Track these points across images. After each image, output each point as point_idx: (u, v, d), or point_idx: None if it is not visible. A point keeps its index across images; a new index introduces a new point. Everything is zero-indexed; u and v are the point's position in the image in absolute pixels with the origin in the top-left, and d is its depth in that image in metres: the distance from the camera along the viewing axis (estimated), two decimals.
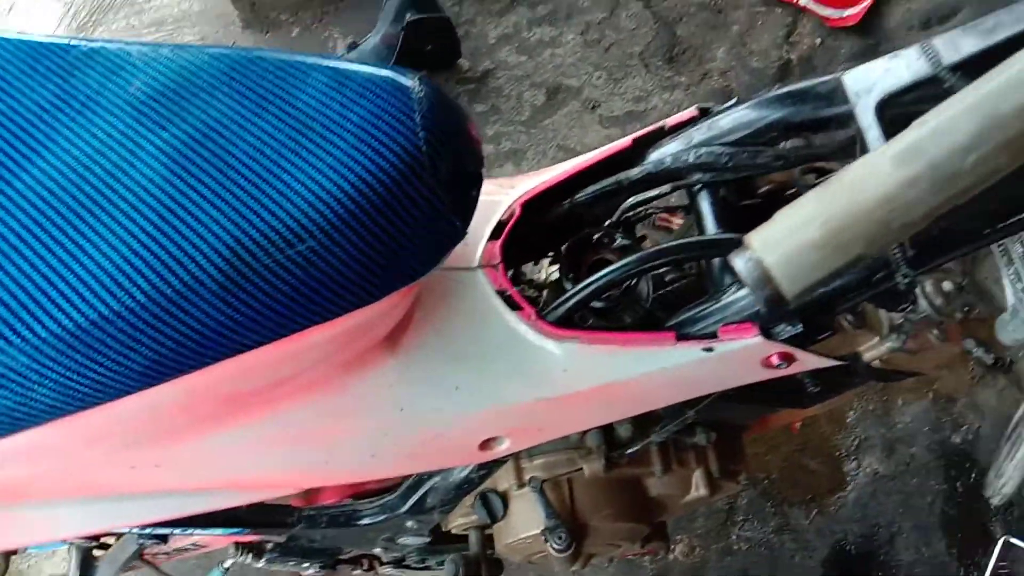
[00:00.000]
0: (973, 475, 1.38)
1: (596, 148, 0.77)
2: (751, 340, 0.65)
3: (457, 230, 0.58)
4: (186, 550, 0.99)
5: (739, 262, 0.33)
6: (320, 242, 0.52)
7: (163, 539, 0.82)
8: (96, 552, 0.83)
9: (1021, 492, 0.48)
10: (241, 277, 0.51)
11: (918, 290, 0.71)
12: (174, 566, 1.00)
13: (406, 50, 1.82)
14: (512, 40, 1.95)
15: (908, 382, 1.43)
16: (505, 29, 1.97)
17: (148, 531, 0.78)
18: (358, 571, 1.04)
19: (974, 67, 0.61)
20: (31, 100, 0.58)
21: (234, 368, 0.56)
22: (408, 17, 1.82)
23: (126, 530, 0.77)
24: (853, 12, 1.78)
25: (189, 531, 0.80)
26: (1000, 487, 0.51)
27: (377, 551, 1.00)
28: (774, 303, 0.33)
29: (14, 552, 0.87)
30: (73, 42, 0.63)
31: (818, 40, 1.78)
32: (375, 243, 0.53)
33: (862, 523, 1.38)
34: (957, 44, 0.61)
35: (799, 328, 0.66)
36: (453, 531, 0.98)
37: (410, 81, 0.57)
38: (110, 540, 0.86)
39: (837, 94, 0.66)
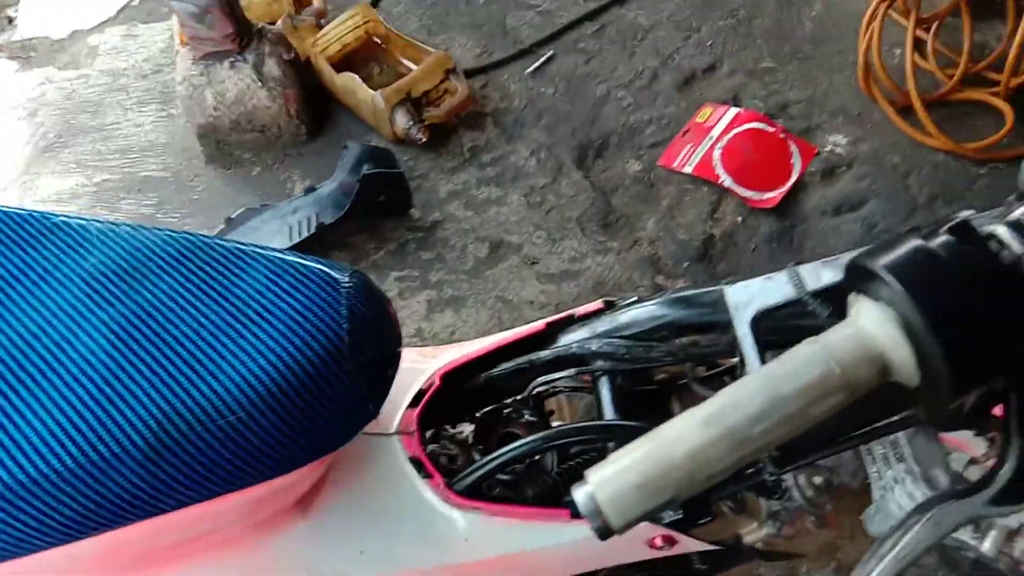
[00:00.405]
0: None
1: (532, 301, 0.85)
2: None
3: (370, 412, 0.64)
4: None
5: (578, 495, 0.40)
6: (241, 418, 0.57)
7: None
8: None
9: None
10: (165, 447, 0.56)
11: (791, 483, 0.79)
12: None
13: (361, 198, 1.92)
14: (461, 196, 2.08)
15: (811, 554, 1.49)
16: (455, 186, 2.11)
17: None
18: None
19: (830, 295, 0.71)
20: None
21: (151, 527, 0.60)
22: (365, 169, 1.93)
23: None
24: (772, 195, 1.96)
25: None
26: None
27: None
28: (604, 532, 0.39)
29: None
30: (37, 214, 0.69)
31: (739, 218, 1.95)
32: (292, 422, 0.59)
33: None
34: (818, 274, 0.71)
35: (680, 514, 0.72)
36: None
37: (341, 275, 0.65)
38: None
39: (720, 304, 0.75)
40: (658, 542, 0.73)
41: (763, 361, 0.70)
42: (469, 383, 0.86)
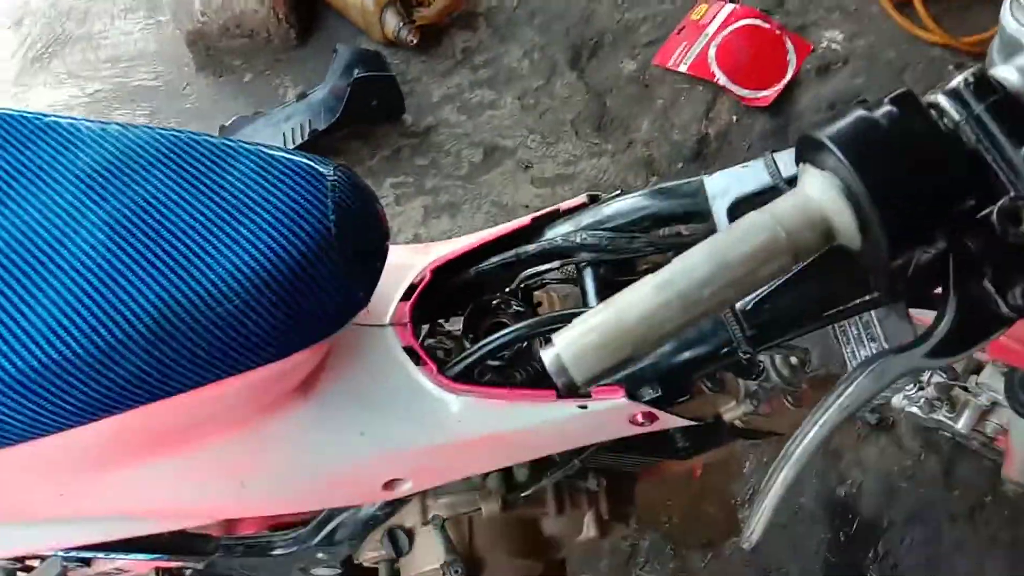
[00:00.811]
0: (855, 525, 1.50)
1: (527, 205, 0.87)
2: (618, 400, 0.75)
3: (360, 300, 0.67)
4: (108, 575, 1.04)
5: (545, 355, 0.43)
6: (237, 306, 0.60)
7: (86, 563, 0.88)
8: (20, 574, 0.88)
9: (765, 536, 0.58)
10: (167, 333, 0.59)
11: (768, 362, 0.82)
12: None
13: (353, 103, 1.92)
14: (454, 100, 2.07)
15: None
16: (448, 89, 2.09)
17: (72, 554, 0.84)
18: None
19: None
20: None
21: (159, 410, 0.64)
22: (356, 73, 1.92)
23: (51, 553, 0.83)
24: (767, 94, 1.94)
25: (112, 555, 0.86)
26: (749, 534, 0.61)
27: None
28: (569, 387, 0.43)
29: None
30: (29, 115, 0.71)
31: (734, 118, 1.94)
32: (285, 308, 0.62)
33: (754, 567, 1.49)
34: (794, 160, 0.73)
35: (658, 392, 0.76)
36: (364, 564, 1.06)
37: (326, 169, 0.67)
38: (34, 563, 0.92)
39: (699, 194, 0.77)
40: (639, 418, 0.77)
41: None
42: (459, 277, 0.89)
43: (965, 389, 1.05)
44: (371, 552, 1.02)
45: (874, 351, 0.79)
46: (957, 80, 0.40)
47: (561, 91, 2.04)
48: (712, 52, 2.02)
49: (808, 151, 0.41)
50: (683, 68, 2.02)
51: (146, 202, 0.64)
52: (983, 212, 0.39)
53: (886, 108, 0.39)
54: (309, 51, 2.23)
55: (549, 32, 2.16)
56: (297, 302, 0.62)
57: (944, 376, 1.04)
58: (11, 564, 0.85)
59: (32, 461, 0.64)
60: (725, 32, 2.04)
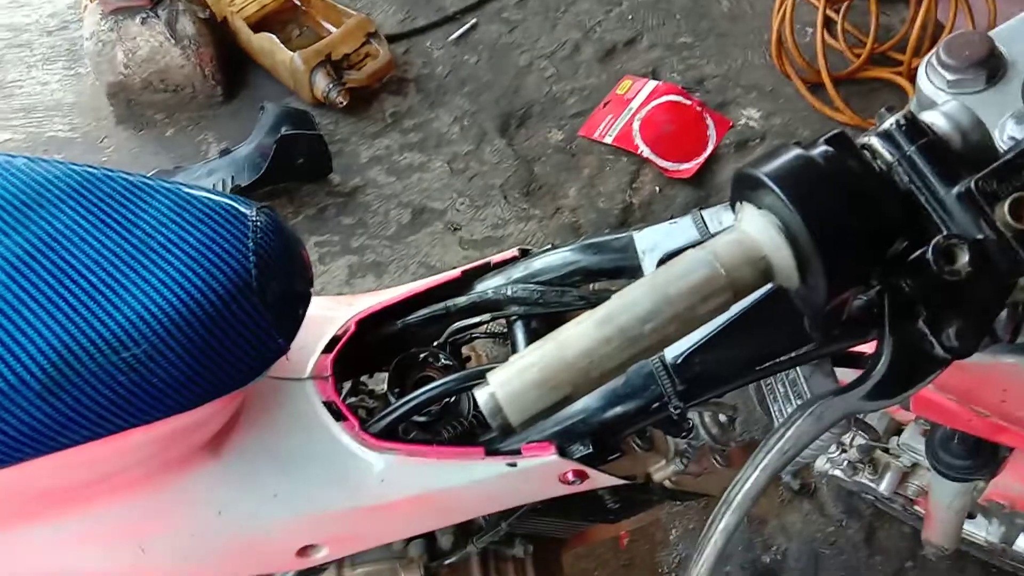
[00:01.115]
0: None
1: (455, 267, 0.85)
2: (548, 458, 0.73)
3: (280, 347, 0.63)
4: None
5: (479, 395, 0.41)
6: (145, 351, 0.56)
7: None
8: None
9: None
10: (65, 379, 0.55)
11: (697, 420, 0.82)
12: None
13: (278, 160, 1.89)
14: (383, 161, 2.07)
15: None
16: (377, 151, 2.09)
17: None
18: None
19: None
20: None
21: (52, 465, 0.58)
22: (283, 131, 1.90)
23: None
24: (688, 166, 2.01)
25: None
26: None
27: None
28: (504, 430, 0.41)
29: None
30: None
31: (657, 188, 1.99)
32: (198, 355, 0.58)
33: None
34: (720, 217, 0.74)
35: (590, 449, 0.74)
36: None
37: (248, 209, 0.64)
38: None
39: (629, 248, 0.77)
40: (569, 476, 0.75)
41: None
42: (385, 330, 0.86)
43: (887, 451, 1.06)
44: None
45: None
46: (889, 122, 0.41)
47: (490, 157, 2.06)
48: (636, 125, 2.08)
49: (745, 188, 0.41)
50: (608, 140, 2.07)
51: (51, 237, 0.59)
52: (916, 253, 0.40)
53: (822, 148, 0.40)
54: (235, 108, 2.20)
55: (479, 100, 2.20)
56: (212, 348, 0.59)
57: (866, 437, 1.05)
58: None
59: None
60: (649, 107, 2.11)
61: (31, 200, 0.62)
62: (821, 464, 1.15)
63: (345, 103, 2.09)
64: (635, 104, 2.13)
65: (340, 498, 0.73)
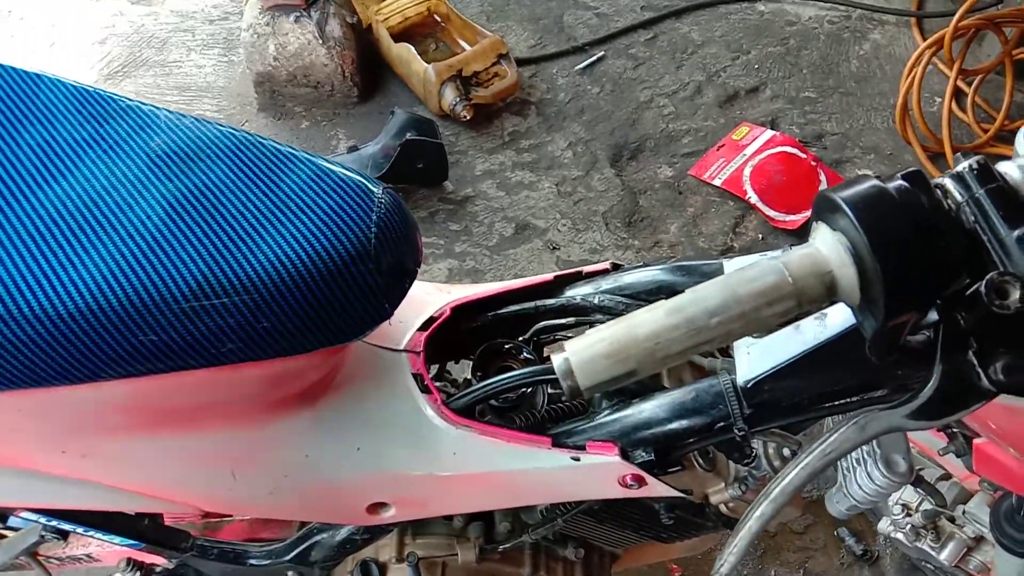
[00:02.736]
0: None
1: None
2: (611, 458, 0.77)
3: (385, 312, 0.70)
4: (79, 560, 1.05)
5: (555, 358, 0.46)
6: (271, 294, 0.64)
7: (64, 536, 0.88)
8: None
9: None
10: (202, 307, 0.63)
11: (760, 450, 0.84)
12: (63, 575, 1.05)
13: (400, 163, 2.00)
14: (496, 176, 2.15)
15: (783, 556, 1.54)
16: (491, 166, 2.18)
17: (53, 524, 0.85)
18: None
19: None
20: (71, 135, 0.71)
21: (175, 382, 0.67)
22: (407, 136, 2.01)
23: (34, 518, 0.84)
24: (795, 218, 2.01)
25: (90, 532, 0.87)
26: (720, 565, 0.62)
27: None
28: (573, 392, 0.46)
29: None
30: (112, 95, 0.77)
31: (760, 236, 2.00)
32: (316, 306, 0.66)
33: None
34: None
35: (651, 456, 0.78)
36: None
37: (376, 188, 0.72)
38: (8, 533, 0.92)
39: (717, 275, 0.81)
40: (628, 479, 0.79)
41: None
42: (476, 320, 0.92)
43: (952, 520, 1.05)
44: None
45: (865, 454, 0.81)
46: (963, 166, 0.44)
47: (598, 184, 2.12)
48: (747, 171, 2.10)
49: (823, 210, 0.45)
50: (717, 182, 2.10)
51: (206, 187, 0.68)
52: (973, 288, 0.42)
53: (898, 182, 0.43)
54: (367, 110, 2.33)
55: (595, 129, 2.26)
56: (328, 301, 0.66)
57: (933, 503, 1.04)
58: None
59: (47, 409, 0.66)
60: (763, 155, 2.13)
61: (193, 154, 0.72)
62: (884, 526, 1.14)
63: (469, 117, 2.20)
64: (749, 151, 2.14)
65: (415, 462, 0.80)
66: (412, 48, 2.27)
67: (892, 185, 0.43)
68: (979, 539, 1.03)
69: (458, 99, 2.18)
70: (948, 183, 0.44)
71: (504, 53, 2.28)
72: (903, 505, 1.09)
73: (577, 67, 2.42)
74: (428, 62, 2.22)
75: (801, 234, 2.00)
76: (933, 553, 1.06)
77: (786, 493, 0.56)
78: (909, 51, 2.28)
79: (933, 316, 0.47)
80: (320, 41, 2.20)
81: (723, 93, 2.34)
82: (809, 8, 2.59)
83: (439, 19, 2.47)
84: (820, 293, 0.44)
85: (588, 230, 2.02)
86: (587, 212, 2.06)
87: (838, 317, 0.69)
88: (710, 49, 2.47)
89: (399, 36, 2.36)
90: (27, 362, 0.61)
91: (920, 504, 1.07)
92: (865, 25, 2.53)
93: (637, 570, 1.51)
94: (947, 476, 1.14)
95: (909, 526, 1.07)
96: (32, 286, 0.61)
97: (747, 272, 0.45)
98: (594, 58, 2.44)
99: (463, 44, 2.38)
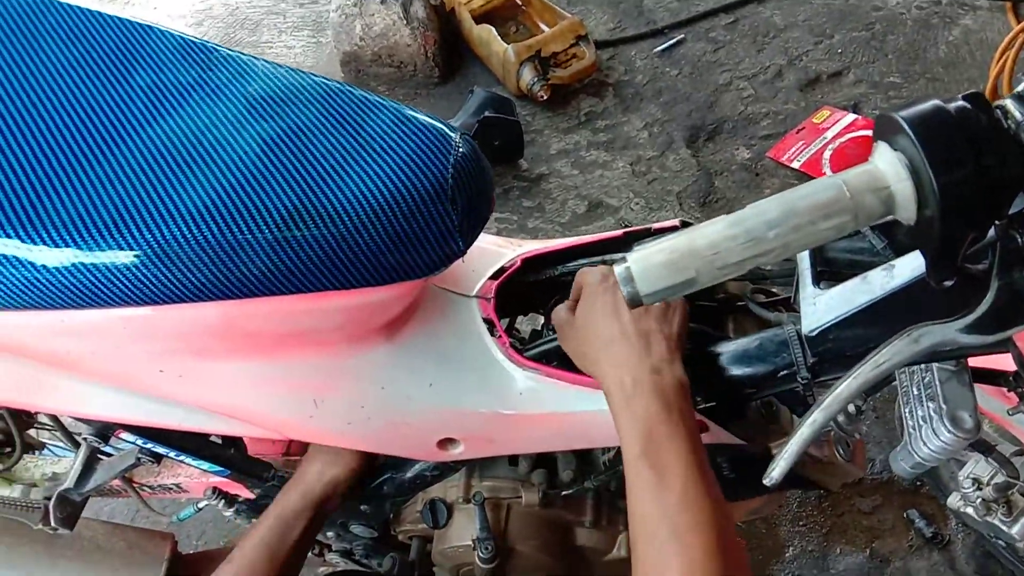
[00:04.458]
0: None
1: None
2: None
3: (459, 249, 0.74)
4: (169, 489, 1.12)
5: (617, 267, 0.49)
6: (355, 225, 0.69)
7: (157, 459, 0.95)
8: (99, 456, 0.97)
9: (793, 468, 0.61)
10: (291, 235, 0.68)
11: None
12: (153, 504, 1.13)
13: (478, 139, 2.03)
14: (570, 155, 2.18)
15: (850, 535, 1.52)
16: (566, 145, 2.20)
17: (148, 447, 0.92)
18: (309, 553, 1.15)
19: (887, 228, 0.77)
20: (177, 79, 0.78)
21: (265, 308, 0.72)
22: (486, 114, 2.05)
23: (132, 440, 0.91)
24: None
25: (181, 456, 0.94)
26: (772, 471, 0.64)
27: (330, 535, 1.12)
28: (632, 299, 0.48)
29: (30, 424, 1.02)
30: (214, 45, 0.83)
31: None
32: (395, 238, 0.70)
33: None
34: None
35: (713, 403, 0.80)
36: (399, 535, 1.10)
37: (454, 134, 0.76)
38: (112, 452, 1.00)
39: None
40: None
41: (817, 285, 0.77)
42: (546, 272, 0.96)
43: None
44: (408, 524, 1.07)
45: (932, 410, 0.81)
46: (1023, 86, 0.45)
47: (673, 165, 2.12)
48: (827, 155, 2.07)
49: (884, 130, 0.46)
50: (796, 164, 2.07)
51: (298, 128, 0.74)
52: None
53: (959, 103, 0.44)
54: (447, 90, 2.39)
55: (672, 111, 2.26)
56: (406, 235, 0.70)
57: (1005, 475, 1.02)
58: (97, 442, 0.93)
59: (150, 329, 0.72)
60: (843, 139, 2.10)
61: (287, 98, 0.77)
62: (954, 500, 1.12)
63: (546, 97, 2.23)
64: (830, 134, 2.11)
65: (484, 401, 0.83)
66: (493, 29, 2.31)
67: (952, 105, 0.44)
68: None
69: (536, 79, 2.21)
70: (1009, 104, 0.45)
71: (583, 35, 2.30)
72: (974, 479, 1.07)
73: (656, 50, 2.42)
74: (508, 43, 2.25)
75: None
76: (1004, 528, 1.04)
77: (840, 400, 0.57)
78: (1002, 37, 2.19)
79: (991, 238, 0.48)
80: (404, 22, 2.26)
81: (804, 77, 2.31)
82: None
83: (520, 2, 2.50)
84: (877, 209, 0.46)
85: (661, 209, 2.03)
86: (661, 192, 2.06)
87: (906, 268, 0.70)
88: (792, 33, 2.44)
89: (480, 18, 2.41)
90: (135, 282, 0.67)
91: (992, 478, 1.05)
92: (956, 11, 2.45)
93: None
94: (1022, 452, 1.11)
95: (980, 500, 1.05)
96: (143, 213, 0.67)
97: (806, 187, 0.47)
98: (673, 41, 2.44)
99: (543, 26, 2.41)
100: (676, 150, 2.15)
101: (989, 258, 0.49)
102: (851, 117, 2.15)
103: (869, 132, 2.15)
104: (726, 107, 2.25)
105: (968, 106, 0.44)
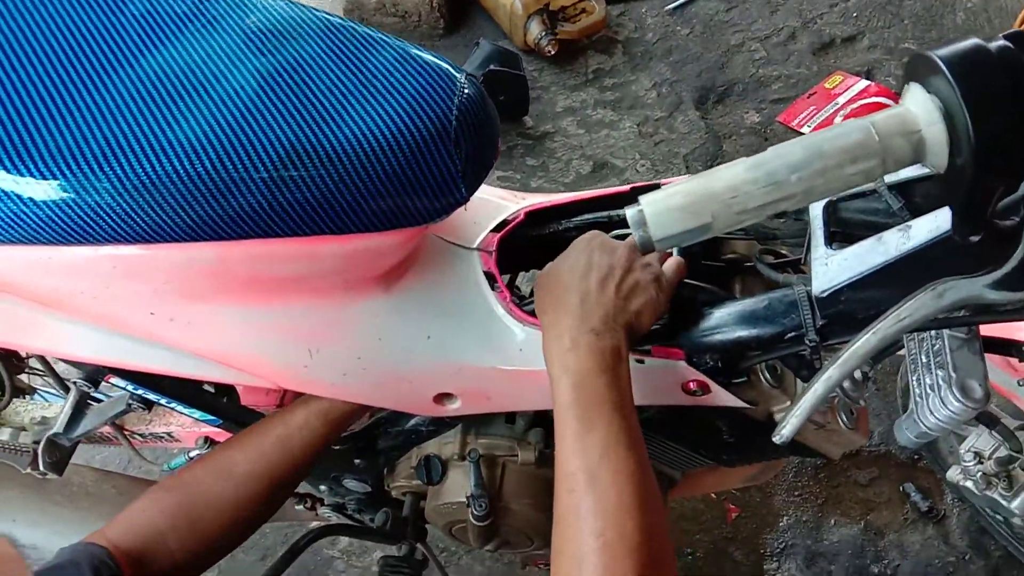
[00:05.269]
0: None
1: None
2: (676, 362, 0.77)
3: (462, 196, 0.71)
4: (160, 438, 1.11)
5: (629, 211, 0.46)
6: (354, 166, 0.66)
7: (148, 406, 0.94)
8: (90, 401, 0.95)
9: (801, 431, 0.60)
10: (287, 174, 0.65)
11: None
12: (145, 453, 1.12)
13: None
14: (576, 113, 2.14)
15: (845, 506, 1.52)
16: (573, 103, 2.16)
17: (139, 392, 0.90)
18: (301, 507, 1.15)
19: (904, 189, 0.75)
20: (171, 8, 0.74)
21: (260, 250, 0.69)
22: (491, 67, 2.01)
23: (123, 385, 0.89)
24: None
25: (172, 403, 0.92)
26: (782, 428, 0.62)
27: (322, 489, 1.11)
28: (644, 244, 0.46)
29: (20, 369, 1.00)
30: None
31: None
32: (396, 181, 0.67)
33: None
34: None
35: (718, 364, 0.78)
36: (392, 491, 1.09)
37: (459, 75, 0.72)
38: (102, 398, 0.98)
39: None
40: (692, 385, 0.79)
41: (829, 246, 0.75)
42: (550, 227, 0.93)
43: None
44: (402, 479, 1.06)
45: (940, 379, 0.79)
46: None
47: (681, 126, 2.08)
48: (838, 120, 2.03)
49: (917, 71, 0.43)
50: (806, 130, 2.04)
51: (297, 63, 0.70)
52: None
53: (1000, 42, 0.41)
54: (452, 42, 2.34)
55: (681, 71, 2.22)
56: (407, 178, 0.67)
57: (1008, 448, 1.01)
58: (87, 386, 0.91)
59: (141, 268, 0.70)
60: (855, 105, 2.05)
61: (286, 32, 0.73)
62: (953, 474, 1.11)
63: (553, 52, 2.18)
64: (841, 100, 2.07)
65: (482, 355, 0.81)
66: None
67: (994, 44, 0.41)
68: None
69: (544, 33, 2.16)
70: None
71: None
72: (975, 452, 1.06)
73: (668, 7, 2.37)
74: None
75: None
76: (1004, 502, 1.03)
77: (857, 356, 0.55)
78: (1021, 4, 2.14)
79: (1021, 193, 0.45)
80: None
81: (818, 40, 2.26)
82: None
83: None
84: (906, 153, 0.43)
85: (668, 171, 1.99)
86: (668, 154, 2.03)
87: (923, 229, 0.67)
88: None
89: None
90: (124, 218, 0.64)
91: (994, 451, 1.04)
92: None
93: (694, 508, 1.52)
94: None
95: (980, 473, 1.04)
96: (133, 146, 0.64)
97: (834, 129, 0.44)
98: None
99: None
100: (684, 111, 2.11)
101: (1021, 212, 0.46)
102: (864, 83, 2.11)
103: (883, 99, 2.12)
104: (737, 69, 2.21)
105: (1011, 46, 0.41)
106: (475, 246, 0.87)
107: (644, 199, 0.46)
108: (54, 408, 1.10)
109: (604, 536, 0.59)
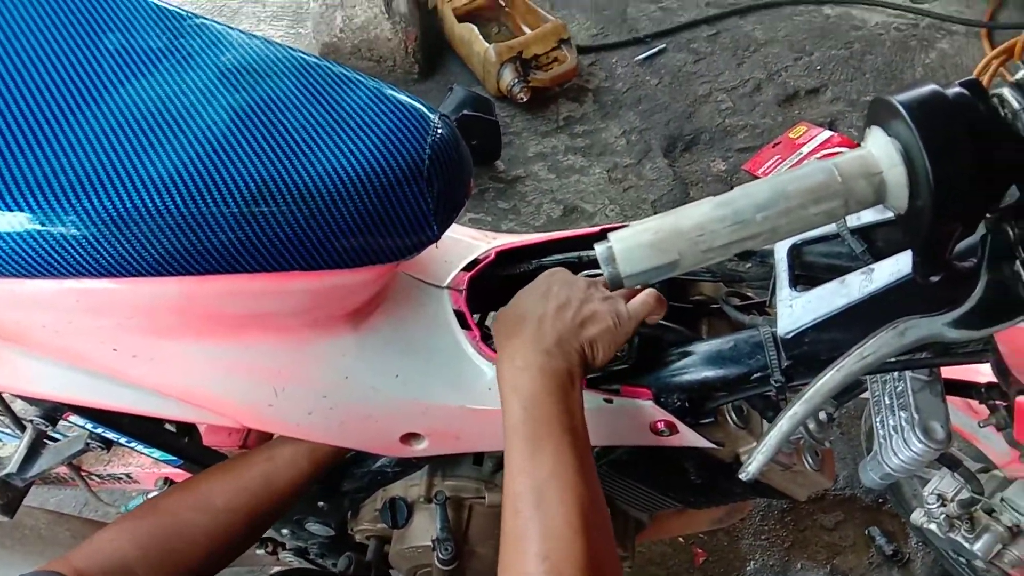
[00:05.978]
0: None
1: None
2: (644, 402, 0.78)
3: (433, 234, 0.72)
4: (119, 479, 1.08)
5: (599, 247, 0.47)
6: (326, 204, 0.66)
7: (107, 446, 0.91)
8: (47, 441, 0.93)
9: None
10: (258, 210, 0.65)
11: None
12: (102, 495, 1.09)
13: None
14: (547, 159, 2.16)
15: (811, 550, 1.52)
16: (544, 148, 2.19)
17: (99, 431, 0.88)
18: (262, 551, 1.12)
19: (866, 233, 0.77)
20: (147, 43, 0.74)
21: (228, 286, 0.69)
22: (464, 112, 2.03)
23: (81, 424, 0.87)
24: None
25: (133, 443, 0.90)
26: (748, 465, 0.62)
27: (284, 533, 1.08)
28: (614, 280, 0.46)
29: None
30: (188, 13, 0.80)
31: None
32: (367, 219, 0.67)
33: None
34: (859, 214, 0.77)
35: (685, 403, 0.78)
36: (356, 537, 1.07)
37: (433, 115, 0.73)
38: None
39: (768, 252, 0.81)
40: (660, 425, 0.79)
41: (794, 288, 0.76)
42: (520, 266, 0.93)
43: (989, 512, 1.03)
44: (367, 523, 1.04)
45: (903, 420, 0.80)
46: (1021, 73, 0.44)
47: (649, 173, 2.11)
48: None
49: (878, 114, 0.45)
50: None
51: (271, 100, 0.71)
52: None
53: (956, 89, 0.43)
54: (427, 87, 2.37)
55: (650, 119, 2.26)
56: (379, 216, 0.68)
57: (970, 490, 1.02)
58: (44, 425, 0.89)
59: (105, 302, 0.69)
60: (819, 155, 2.10)
61: (260, 70, 0.74)
62: (917, 516, 1.12)
63: (525, 99, 2.21)
64: (805, 150, 2.12)
65: (450, 394, 0.81)
66: (475, 28, 2.29)
67: (950, 91, 0.43)
68: (1017, 533, 1.00)
69: (516, 80, 2.20)
70: (1006, 92, 0.44)
71: (565, 38, 2.29)
72: (938, 495, 1.07)
73: (637, 58, 2.42)
74: (490, 43, 2.24)
75: None
76: (966, 544, 1.04)
77: (821, 393, 0.56)
78: (977, 62, 2.23)
79: (980, 233, 0.47)
80: (386, 16, 2.24)
81: (783, 92, 2.33)
82: (876, 14, 2.55)
83: (503, 3, 2.49)
84: (868, 195, 0.44)
85: (636, 216, 2.02)
86: (636, 199, 2.06)
87: (884, 272, 0.69)
88: (772, 48, 2.45)
89: (463, 17, 2.39)
90: (91, 252, 0.64)
91: (957, 493, 1.05)
92: (933, 34, 2.49)
93: (662, 552, 1.51)
94: (987, 469, 1.11)
95: (944, 516, 1.05)
96: (104, 181, 0.64)
97: (797, 171, 0.45)
98: (655, 50, 2.44)
99: (526, 29, 2.40)
100: (653, 159, 2.15)
101: (978, 253, 0.48)
102: (827, 134, 2.17)
103: (844, 149, 2.16)
104: (704, 118, 2.26)
105: (966, 93, 0.43)
106: (445, 284, 0.87)
107: (614, 236, 0.46)
108: (8, 448, 1.07)
109: (550, 559, 0.58)
